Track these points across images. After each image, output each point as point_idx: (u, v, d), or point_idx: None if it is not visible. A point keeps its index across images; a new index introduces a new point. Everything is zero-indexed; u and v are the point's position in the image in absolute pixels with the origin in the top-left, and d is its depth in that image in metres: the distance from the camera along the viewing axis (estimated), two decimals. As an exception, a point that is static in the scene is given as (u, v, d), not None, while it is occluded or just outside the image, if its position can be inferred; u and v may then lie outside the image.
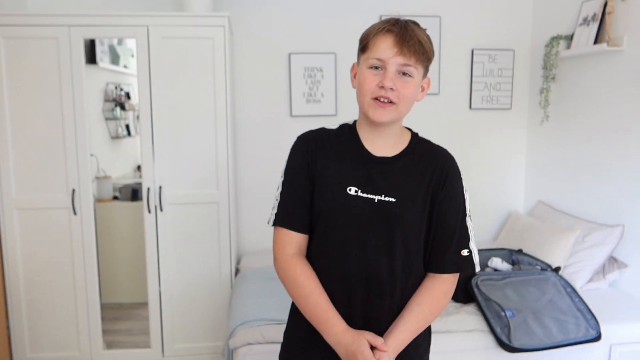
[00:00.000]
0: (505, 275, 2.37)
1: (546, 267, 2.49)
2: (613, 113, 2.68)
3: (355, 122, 1.33)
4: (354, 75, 1.28)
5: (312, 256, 1.29)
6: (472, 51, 3.31)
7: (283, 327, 2.18)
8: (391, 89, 1.18)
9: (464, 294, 2.36)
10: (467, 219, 1.29)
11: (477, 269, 1.29)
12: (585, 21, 2.78)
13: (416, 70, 1.20)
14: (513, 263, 2.70)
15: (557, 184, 3.16)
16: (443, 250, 1.27)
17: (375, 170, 1.25)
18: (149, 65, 2.66)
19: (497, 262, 2.60)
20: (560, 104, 3.11)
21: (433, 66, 3.22)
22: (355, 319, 1.24)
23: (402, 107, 1.21)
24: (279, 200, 1.29)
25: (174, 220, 2.78)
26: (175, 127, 2.72)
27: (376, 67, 1.19)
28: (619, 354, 2.20)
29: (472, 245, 1.29)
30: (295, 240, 1.28)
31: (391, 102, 1.19)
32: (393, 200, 1.23)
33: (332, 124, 1.34)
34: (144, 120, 2.69)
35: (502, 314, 2.16)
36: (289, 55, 3.14)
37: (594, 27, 2.69)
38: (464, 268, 1.28)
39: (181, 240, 2.80)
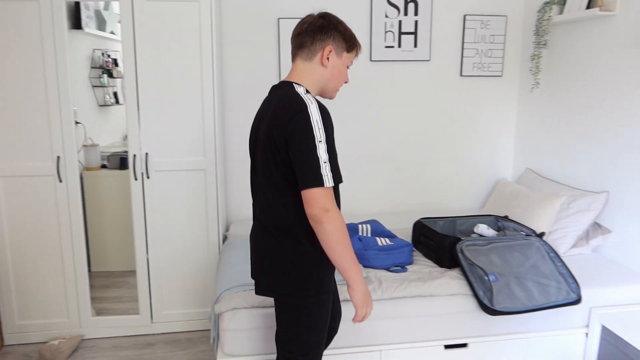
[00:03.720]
0: (490, 240, 2.38)
1: (531, 232, 2.51)
2: (604, 79, 2.66)
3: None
4: (327, 58, 1.54)
5: None
6: (464, 17, 3.26)
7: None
8: None
9: (449, 259, 2.38)
10: None
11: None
12: (578, -15, 2.72)
13: None
14: (499, 229, 2.72)
15: (545, 152, 3.16)
16: None
17: None
18: (133, 29, 2.60)
19: (482, 229, 2.62)
20: (551, 71, 3.08)
21: (424, 32, 3.20)
22: None
23: None
24: (328, 160, 1.43)
25: (161, 187, 2.77)
26: (162, 93, 2.69)
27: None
28: (598, 316, 2.24)
29: None
30: None
31: None
32: None
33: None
34: (129, 86, 2.65)
35: (486, 278, 2.18)
36: (278, 20, 3.08)
37: (586, -10, 2.64)
38: None
39: (168, 208, 2.80)
